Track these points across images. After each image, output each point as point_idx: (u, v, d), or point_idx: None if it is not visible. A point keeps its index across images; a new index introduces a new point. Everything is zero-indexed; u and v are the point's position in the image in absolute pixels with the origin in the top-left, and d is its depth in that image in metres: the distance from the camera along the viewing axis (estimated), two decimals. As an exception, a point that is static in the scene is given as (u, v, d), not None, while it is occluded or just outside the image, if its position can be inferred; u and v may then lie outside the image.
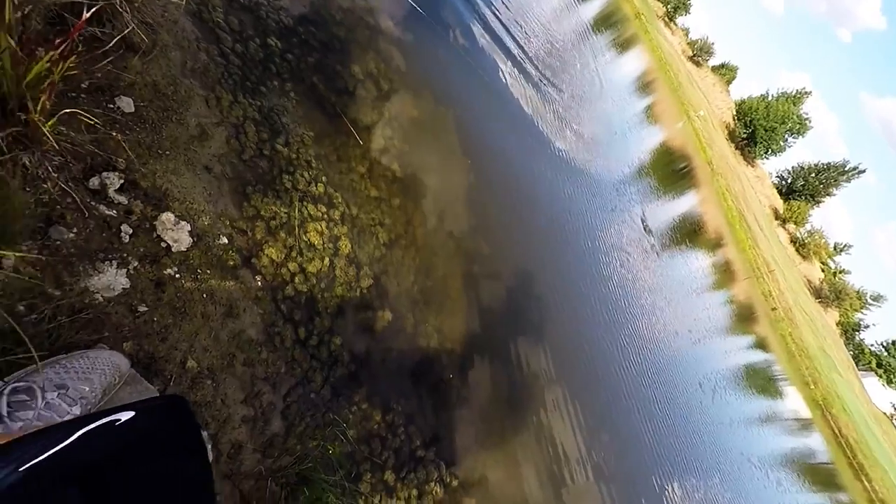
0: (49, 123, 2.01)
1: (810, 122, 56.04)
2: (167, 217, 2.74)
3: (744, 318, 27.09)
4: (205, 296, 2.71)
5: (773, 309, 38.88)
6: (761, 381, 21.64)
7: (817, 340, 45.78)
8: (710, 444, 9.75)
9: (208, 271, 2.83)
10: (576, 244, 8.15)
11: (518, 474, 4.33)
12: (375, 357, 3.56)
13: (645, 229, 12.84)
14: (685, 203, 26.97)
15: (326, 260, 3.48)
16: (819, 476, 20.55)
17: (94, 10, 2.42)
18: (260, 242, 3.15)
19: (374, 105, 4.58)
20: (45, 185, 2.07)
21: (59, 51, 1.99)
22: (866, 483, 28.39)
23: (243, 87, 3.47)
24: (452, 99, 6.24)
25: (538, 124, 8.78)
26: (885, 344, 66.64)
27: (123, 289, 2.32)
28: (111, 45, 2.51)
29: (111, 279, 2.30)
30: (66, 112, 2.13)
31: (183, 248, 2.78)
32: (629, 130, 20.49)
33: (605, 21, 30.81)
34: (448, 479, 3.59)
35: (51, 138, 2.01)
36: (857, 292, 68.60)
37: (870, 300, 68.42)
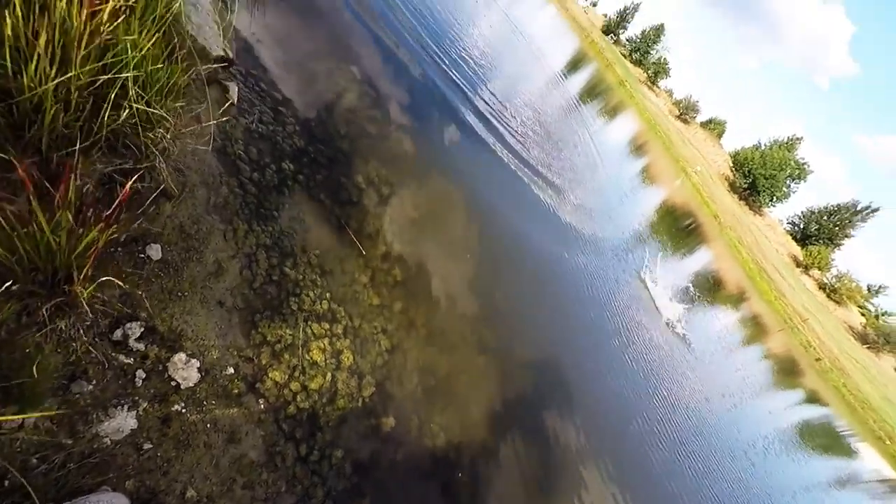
0: (88, 291, 2.24)
1: (809, 166, 57.22)
2: (179, 357, 2.91)
3: (787, 372, 25.72)
4: (208, 426, 2.81)
5: (818, 359, 36.87)
6: (825, 439, 19.97)
7: (878, 389, 42.62)
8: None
9: (213, 402, 2.95)
10: (584, 317, 8.11)
11: None
12: (381, 465, 3.52)
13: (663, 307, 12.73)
14: (698, 260, 26.80)
15: (329, 375, 3.58)
16: None
17: (138, 174, 2.82)
18: (265, 367, 3.29)
19: (376, 211, 4.93)
20: (75, 345, 2.26)
21: (107, 221, 2.29)
22: None
23: (258, 214, 3.81)
24: (452, 194, 6.68)
25: (539, 204, 9.18)
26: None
27: (132, 430, 2.43)
28: (150, 200, 2.90)
29: (121, 422, 2.42)
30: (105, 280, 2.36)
31: (191, 384, 2.92)
32: (629, 195, 21.11)
33: (592, 92, 33.11)
34: None
35: (87, 306, 2.24)
36: None
37: None
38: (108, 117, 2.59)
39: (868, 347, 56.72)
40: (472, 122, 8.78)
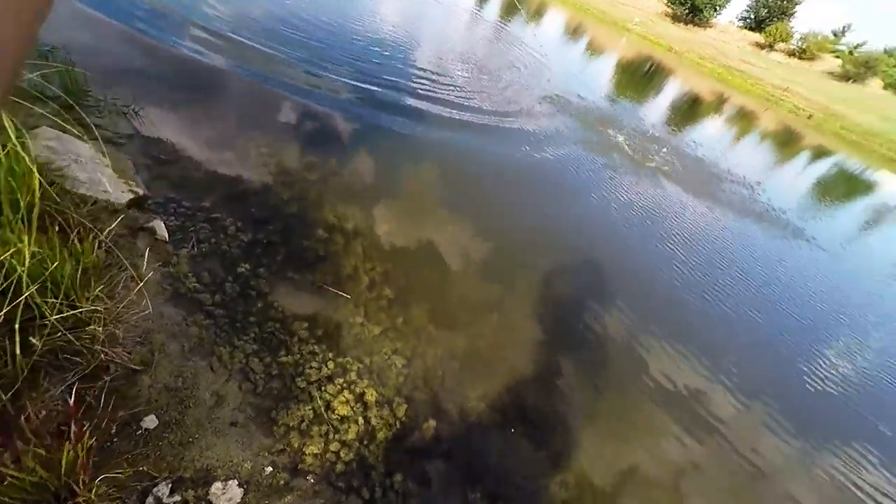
0: (94, 493, 1.78)
1: None
2: (216, 487, 2.36)
3: (786, 141, 21.68)
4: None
5: (810, 116, 30.96)
6: (846, 183, 16.60)
7: (875, 113, 35.27)
8: (832, 285, 7.24)
9: (265, 502, 2.41)
10: (580, 207, 6.67)
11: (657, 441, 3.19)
12: (437, 464, 2.79)
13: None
14: (670, 92, 22.82)
15: (360, 419, 2.84)
16: None
17: (75, 393, 2.19)
18: (299, 448, 2.65)
19: (347, 251, 3.93)
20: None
21: (75, 441, 1.78)
22: None
23: (235, 330, 3.04)
24: (419, 183, 5.45)
25: (507, 137, 7.58)
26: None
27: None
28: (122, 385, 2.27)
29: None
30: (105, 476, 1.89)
31: (238, 501, 2.40)
32: (583, 74, 17.84)
33: (511, 5, 27.96)
34: None
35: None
36: (886, 51, 53.79)
37: None
38: (27, 345, 1.96)
39: (853, 81, 47.51)
40: (414, 109, 7.18)
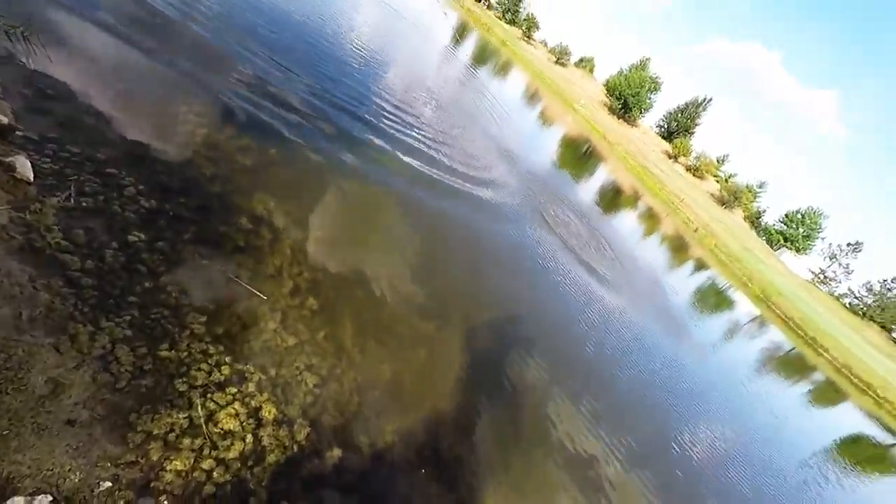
0: None
1: (660, 79, 60.15)
2: (15, 501, 1.91)
3: (679, 248, 26.99)
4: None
5: (696, 230, 39.27)
6: (714, 297, 21.23)
7: (737, 241, 46.49)
8: (701, 379, 8.99)
9: None
10: (517, 269, 7.36)
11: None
12: (336, 499, 2.65)
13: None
14: (600, 177, 27.04)
15: (248, 437, 2.61)
16: (792, 364, 20.09)
17: None
18: (158, 462, 2.30)
19: (273, 248, 3.73)
20: None
21: None
22: (825, 354, 28.21)
23: (105, 308, 2.60)
24: (362, 201, 5.47)
25: (452, 178, 8.08)
26: (781, 219, 69.00)
27: None
28: None
29: None
30: None
31: None
32: (535, 137, 20.32)
33: (481, 57, 31.25)
34: None
35: None
36: (748, 186, 71.91)
37: (757, 188, 72.00)
38: None
39: (725, 207, 62.04)
40: (372, 124, 7.35)
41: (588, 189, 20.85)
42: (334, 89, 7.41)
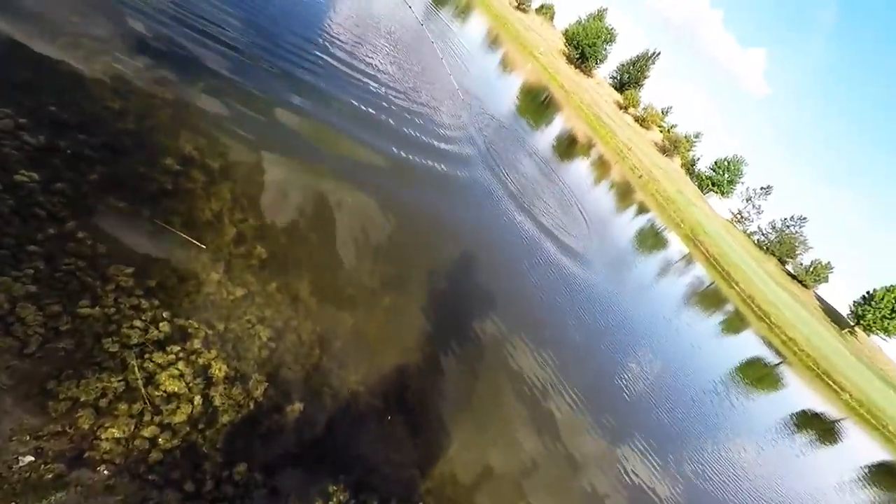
0: None
1: (615, 30, 58.89)
2: None
3: (625, 193, 28.03)
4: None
5: (640, 176, 40.83)
6: (652, 238, 22.56)
7: (673, 185, 49.12)
8: (641, 319, 9.67)
9: (16, 502, 1.72)
10: (473, 219, 7.13)
11: (507, 434, 3.57)
12: (301, 453, 2.49)
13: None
14: (557, 125, 26.71)
15: (197, 398, 2.32)
16: (711, 298, 22.25)
17: None
18: (90, 431, 1.98)
19: (209, 192, 3.16)
20: None
21: None
22: (735, 286, 31.50)
23: (-8, 260, 2.07)
24: (305, 141, 4.80)
25: (409, 128, 7.41)
26: (710, 167, 73.82)
27: None
28: None
29: None
30: None
31: None
32: (496, 81, 19.28)
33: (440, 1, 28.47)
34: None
35: None
36: (685, 137, 75.20)
37: (694, 138, 76.05)
38: None
39: (666, 155, 64.81)
40: (323, 68, 6.35)
41: (546, 137, 20.54)
42: (278, 25, 6.26)
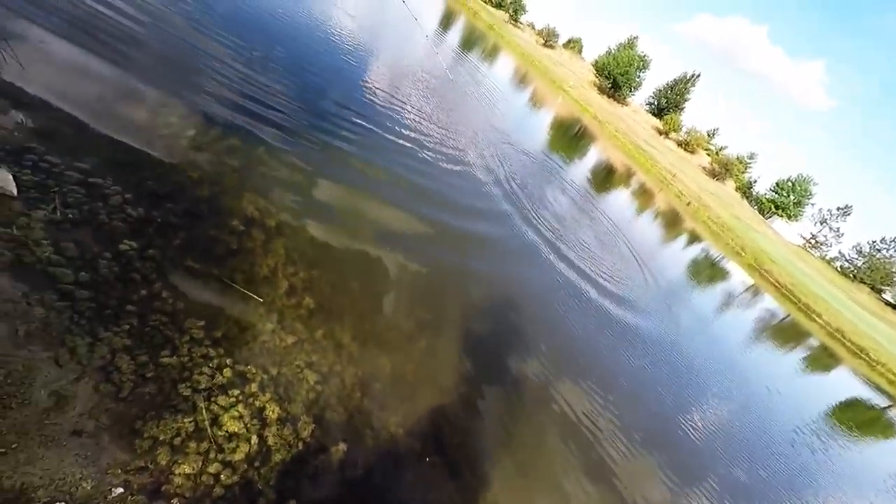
0: None
1: (648, 56, 59.37)
2: None
3: (672, 222, 26.98)
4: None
5: (688, 204, 39.19)
6: (708, 268, 21.30)
7: (728, 211, 46.46)
8: (699, 353, 9.08)
9: None
10: (514, 250, 7.34)
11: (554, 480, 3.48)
12: (344, 493, 2.66)
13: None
14: (592, 157, 26.83)
15: (254, 438, 2.63)
16: (787, 332, 20.26)
17: None
18: (167, 467, 2.32)
19: (266, 249, 3.68)
20: None
21: None
22: (818, 319, 28.41)
23: (102, 319, 2.58)
24: (355, 196, 5.40)
25: (453, 173, 8.00)
26: (772, 188, 69.31)
27: None
28: None
29: None
30: None
31: None
32: (527, 119, 20.08)
33: (469, 42, 30.78)
34: None
35: None
36: (738, 158, 71.92)
37: (748, 159, 72.32)
38: None
39: (716, 179, 61.89)
40: (362, 121, 7.22)
41: (581, 169, 20.68)
42: (322, 86, 7.26)
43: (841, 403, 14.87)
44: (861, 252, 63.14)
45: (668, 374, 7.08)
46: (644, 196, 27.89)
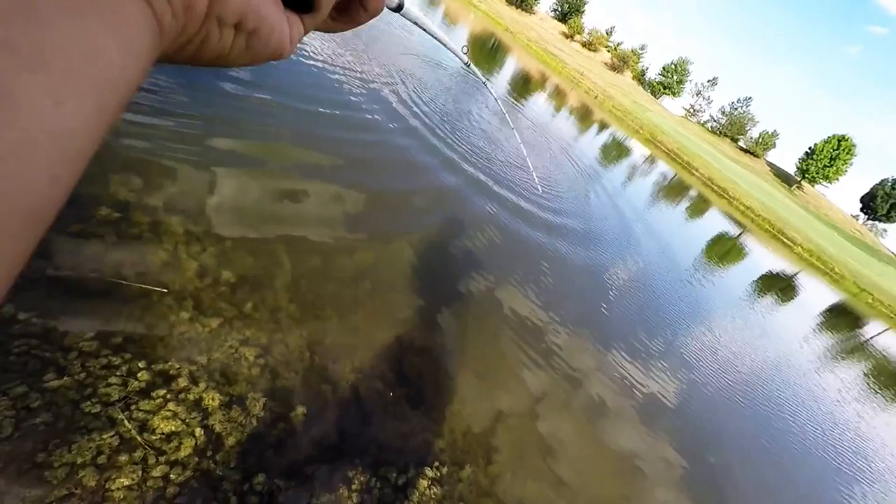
0: None
1: None
2: None
3: (585, 115, 26.15)
4: None
5: (596, 97, 37.91)
6: (617, 148, 21.29)
7: (628, 98, 45.77)
8: (610, 224, 9.22)
9: None
10: (443, 182, 6.47)
11: (513, 376, 3.41)
12: (314, 450, 2.25)
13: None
14: (510, 67, 24.28)
15: (198, 430, 2.06)
16: (677, 189, 21.34)
17: None
18: (99, 485, 1.76)
19: (157, 232, 2.68)
20: None
21: None
22: (695, 173, 30.14)
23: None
24: (259, 141, 4.13)
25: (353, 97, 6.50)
26: (660, 72, 68.75)
27: None
28: None
29: None
30: None
31: None
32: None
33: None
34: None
35: None
36: (632, 51, 69.66)
37: (640, 51, 70.94)
38: None
39: (616, 72, 59.94)
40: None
41: (502, 80, 18.66)
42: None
43: (712, 239, 16.54)
44: (724, 112, 66.73)
45: (592, 256, 7.05)
46: (559, 97, 26.37)
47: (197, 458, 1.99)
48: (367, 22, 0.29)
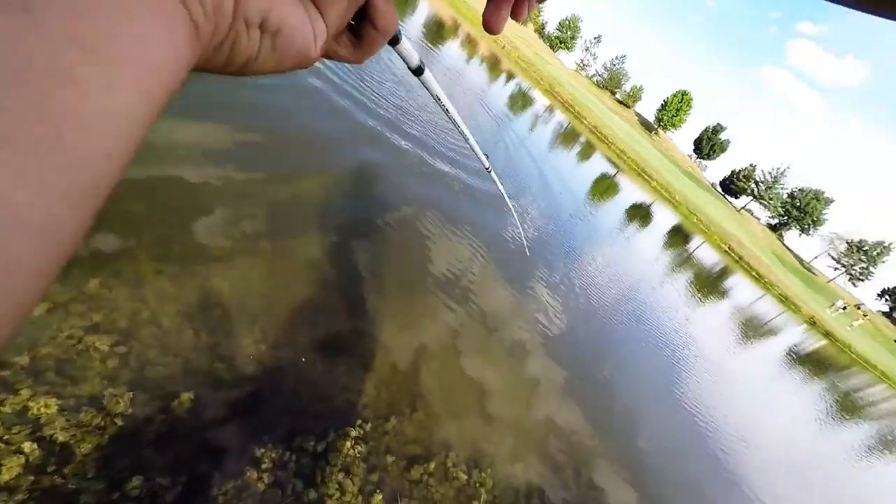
0: None
1: None
2: None
3: (494, 65, 25.62)
4: None
5: (503, 47, 37.18)
6: (522, 98, 21.67)
7: (531, 50, 46.19)
8: (516, 171, 9.59)
9: None
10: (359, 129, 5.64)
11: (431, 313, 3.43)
12: (213, 436, 1.86)
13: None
14: (423, 12, 21.70)
15: (27, 445, 1.50)
16: (570, 135, 23.05)
17: None
18: None
19: None
20: None
21: None
22: (584, 121, 32.90)
23: None
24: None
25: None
26: (557, 28, 70.26)
27: None
28: None
29: None
30: None
31: None
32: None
33: None
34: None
35: None
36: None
37: (540, 5, 71.24)
38: None
39: (521, 23, 59.32)
40: None
41: (415, 23, 16.67)
42: None
43: (595, 179, 18.82)
44: (606, 68, 72.95)
45: (491, 190, 7.23)
46: (471, 45, 25.05)
47: (32, 477, 1.46)
48: (382, 46, 0.28)
